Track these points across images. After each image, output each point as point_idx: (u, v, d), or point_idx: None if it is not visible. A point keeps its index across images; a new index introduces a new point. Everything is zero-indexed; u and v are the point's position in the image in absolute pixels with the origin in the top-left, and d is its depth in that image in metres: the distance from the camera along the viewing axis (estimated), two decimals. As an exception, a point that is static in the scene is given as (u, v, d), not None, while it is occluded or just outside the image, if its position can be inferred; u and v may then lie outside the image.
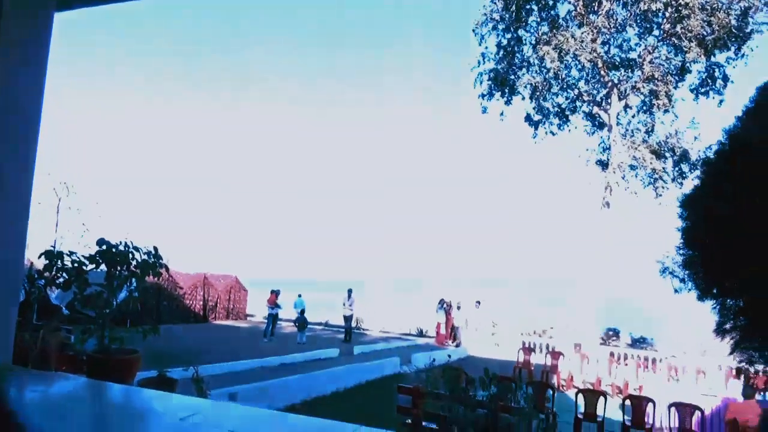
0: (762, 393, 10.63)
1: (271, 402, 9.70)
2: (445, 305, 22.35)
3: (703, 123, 21.08)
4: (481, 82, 23.76)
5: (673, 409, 9.16)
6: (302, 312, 20.20)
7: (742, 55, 19.93)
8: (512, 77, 23.08)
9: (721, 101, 20.62)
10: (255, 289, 29.92)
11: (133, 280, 5.18)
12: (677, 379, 12.48)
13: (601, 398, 9.55)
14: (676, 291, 6.84)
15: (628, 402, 9.53)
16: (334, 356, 15.93)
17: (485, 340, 41.66)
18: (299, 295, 31.04)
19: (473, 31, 23.21)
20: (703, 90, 21.08)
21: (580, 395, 9.63)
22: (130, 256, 5.00)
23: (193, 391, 5.98)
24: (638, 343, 30.43)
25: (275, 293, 20.47)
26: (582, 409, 9.50)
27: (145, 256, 5.09)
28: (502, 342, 40.45)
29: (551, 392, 9.88)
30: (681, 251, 5.60)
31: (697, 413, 8.95)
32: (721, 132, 5.12)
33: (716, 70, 20.58)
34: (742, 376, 13.36)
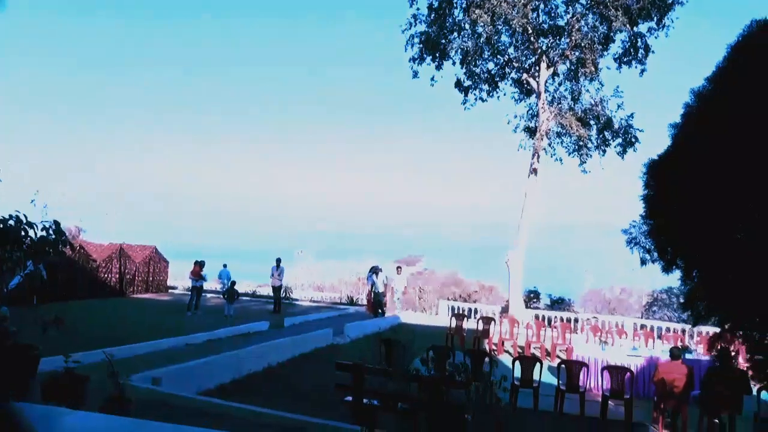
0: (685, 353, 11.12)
1: (199, 383, 9.07)
2: (376, 273, 22.12)
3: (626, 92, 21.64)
4: (412, 45, 23.24)
5: (605, 372, 9.37)
6: (233, 284, 19.33)
7: (664, 26, 20.51)
8: (443, 41, 22.70)
9: (642, 71, 21.25)
10: (177, 261, 28.51)
11: (30, 262, 4.37)
12: (605, 341, 12.91)
13: (537, 364, 9.64)
14: (642, 263, 6.76)
15: (562, 366, 9.66)
16: (263, 329, 15.35)
17: (413, 305, 42.15)
18: (224, 265, 29.88)
19: (404, -10, 22.55)
20: (625, 59, 21.61)
21: (516, 362, 9.65)
22: (24, 232, 4.19)
23: (108, 383, 5.30)
24: (557, 304, 31.77)
25: (199, 264, 19.43)
26: (518, 375, 9.53)
27: (43, 232, 4.28)
28: (428, 307, 41.07)
29: (488, 360, 9.85)
30: (646, 221, 5.50)
31: (627, 374, 9.19)
32: (689, 93, 4.94)
33: (638, 40, 21.10)
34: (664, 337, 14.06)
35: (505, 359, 14.32)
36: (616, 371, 9.14)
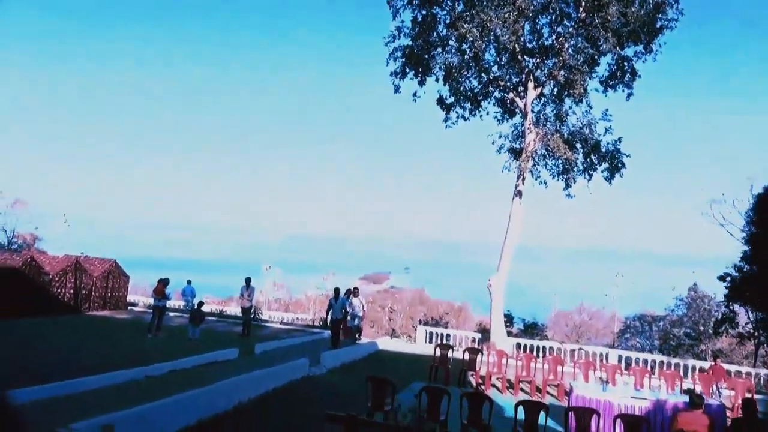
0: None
1: (161, 428, 7.81)
2: (359, 294, 20.95)
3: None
4: (395, 59, 22.47)
5: (618, 420, 8.47)
6: (200, 304, 17.91)
7: (651, 51, 20.24)
8: (426, 56, 21.99)
9: (629, 95, 20.91)
10: (137, 272, 26.79)
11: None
12: (605, 381, 12.07)
13: (542, 411, 8.68)
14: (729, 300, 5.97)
15: (571, 414, 8.72)
16: (233, 357, 14.03)
17: (383, 329, 40.93)
18: (188, 282, 28.35)
19: (387, 2, 21.83)
20: (611, 83, 21.27)
21: (520, 407, 8.66)
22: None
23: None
24: (530, 328, 31.18)
25: (163, 282, 17.92)
26: (521, 416, 8.54)
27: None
28: (400, 331, 39.96)
29: (488, 405, 8.86)
30: (746, 263, 4.70)
31: (644, 426, 8.33)
32: None
33: (626, 63, 20.79)
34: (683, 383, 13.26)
35: (493, 394, 13.39)
36: (631, 422, 8.25)
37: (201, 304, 18.23)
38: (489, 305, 21.13)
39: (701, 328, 31.15)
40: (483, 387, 13.79)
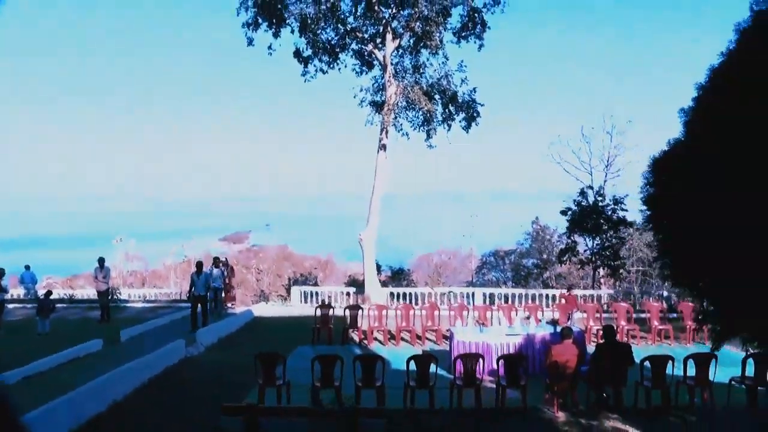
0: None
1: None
2: (220, 265, 19.99)
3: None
4: (246, 9, 21.07)
5: (501, 361, 9.06)
6: (48, 294, 15.89)
7: (498, 2, 21.02)
8: (280, 6, 20.87)
9: (480, 46, 21.70)
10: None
11: None
12: (481, 323, 12.85)
13: (432, 363, 9.01)
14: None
15: (459, 361, 9.15)
16: (97, 350, 12.71)
17: (252, 290, 39.86)
18: (27, 267, 25.15)
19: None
20: (464, 34, 21.89)
21: (412, 361, 8.90)
22: None
23: None
24: (397, 274, 32.43)
25: (-3, 273, 15.59)
26: (413, 370, 8.81)
27: None
28: (269, 289, 39.11)
29: (381, 365, 9.00)
30: (647, 223, 4.96)
31: (522, 361, 9.00)
32: (706, 72, 4.34)
33: (476, 15, 21.43)
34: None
35: (376, 347, 13.73)
36: (512, 361, 8.88)
37: (49, 293, 16.23)
38: (357, 256, 21.45)
39: (545, 257, 34.57)
40: (366, 341, 14.07)
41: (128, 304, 21.36)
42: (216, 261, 18.93)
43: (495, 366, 9.50)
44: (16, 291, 23.13)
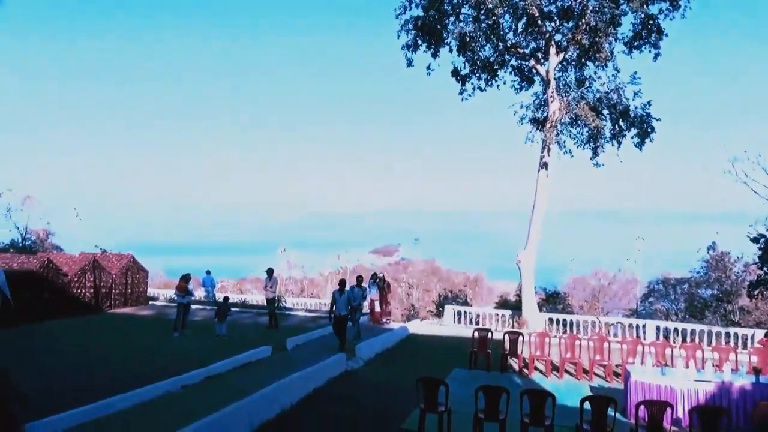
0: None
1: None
2: (377, 280, 20.46)
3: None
4: (407, 32, 21.49)
5: (694, 414, 7.87)
6: (226, 300, 17.44)
7: (678, 7, 19.10)
8: (439, 27, 20.97)
9: (656, 55, 19.84)
10: (145, 258, 26.18)
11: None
12: (664, 363, 11.45)
13: (610, 407, 8.10)
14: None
15: (642, 408, 8.13)
16: (266, 356, 13.54)
17: (403, 305, 40.34)
18: (207, 272, 27.96)
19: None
20: (636, 43, 20.19)
21: (587, 402, 8.09)
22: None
23: None
24: (552, 297, 30.70)
25: (185, 279, 17.39)
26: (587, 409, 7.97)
27: None
28: (418, 304, 39.27)
29: (551, 402, 8.30)
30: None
31: (723, 419, 7.74)
32: None
33: (651, 22, 19.68)
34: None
35: (538, 378, 12.89)
36: (710, 414, 7.66)
37: (226, 299, 17.75)
38: (506, 274, 20.60)
39: (726, 288, 30.49)
40: (527, 371, 13.29)
41: (293, 313, 22.68)
42: (374, 276, 19.29)
43: (680, 415, 8.31)
44: (198, 294, 25.79)
